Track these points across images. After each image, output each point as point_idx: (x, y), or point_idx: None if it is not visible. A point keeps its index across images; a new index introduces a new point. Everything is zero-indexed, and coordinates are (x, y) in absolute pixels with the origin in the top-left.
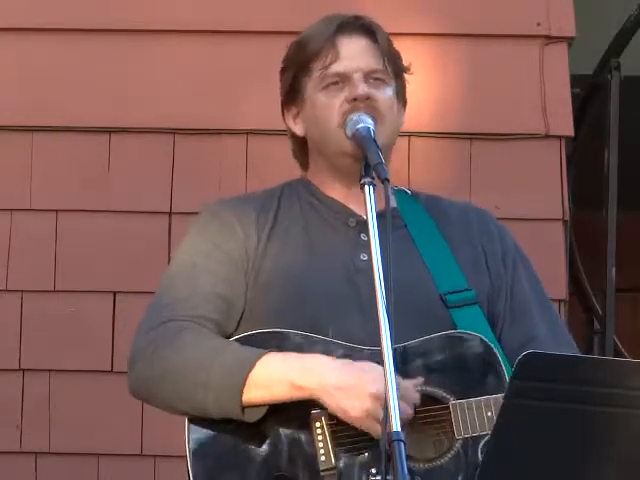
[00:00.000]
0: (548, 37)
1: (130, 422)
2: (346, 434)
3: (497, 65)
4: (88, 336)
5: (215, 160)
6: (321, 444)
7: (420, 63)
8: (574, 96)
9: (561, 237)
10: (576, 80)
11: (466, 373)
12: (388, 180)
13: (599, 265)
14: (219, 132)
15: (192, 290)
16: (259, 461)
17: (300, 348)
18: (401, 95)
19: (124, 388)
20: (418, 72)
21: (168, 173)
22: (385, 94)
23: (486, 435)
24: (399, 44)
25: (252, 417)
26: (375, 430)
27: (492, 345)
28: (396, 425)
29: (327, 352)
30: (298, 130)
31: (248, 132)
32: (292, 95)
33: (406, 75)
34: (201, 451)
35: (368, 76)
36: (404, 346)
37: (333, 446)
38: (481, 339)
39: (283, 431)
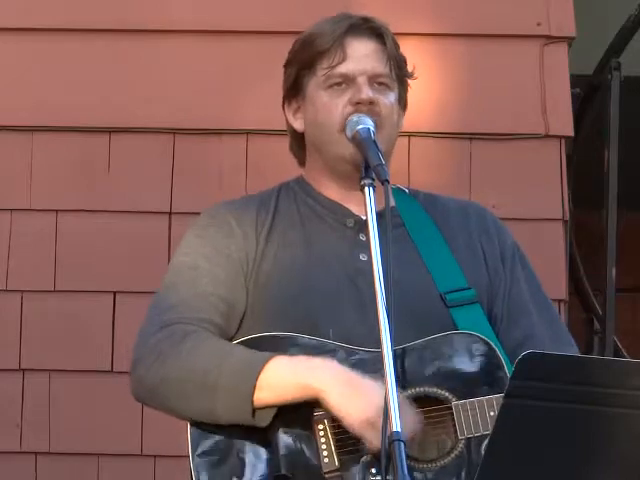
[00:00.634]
0: (548, 37)
1: (130, 422)
2: (348, 436)
3: (497, 65)
4: (88, 336)
5: (215, 160)
6: (324, 446)
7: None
8: (574, 96)
9: (561, 237)
10: (576, 80)
11: (468, 373)
12: (388, 181)
13: (599, 265)
14: (219, 132)
15: (194, 292)
16: (262, 462)
17: (303, 351)
18: (402, 100)
19: (124, 388)
20: (418, 72)
21: (168, 173)
22: (388, 99)
23: (489, 435)
24: (399, 44)
25: (262, 421)
26: (370, 437)
27: (493, 344)
28: (396, 425)
29: (330, 355)
30: (297, 125)
31: (248, 132)
32: (294, 90)
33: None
34: (203, 452)
35: (373, 80)
36: (405, 347)
37: (336, 448)
38: (482, 338)
39: (286, 433)
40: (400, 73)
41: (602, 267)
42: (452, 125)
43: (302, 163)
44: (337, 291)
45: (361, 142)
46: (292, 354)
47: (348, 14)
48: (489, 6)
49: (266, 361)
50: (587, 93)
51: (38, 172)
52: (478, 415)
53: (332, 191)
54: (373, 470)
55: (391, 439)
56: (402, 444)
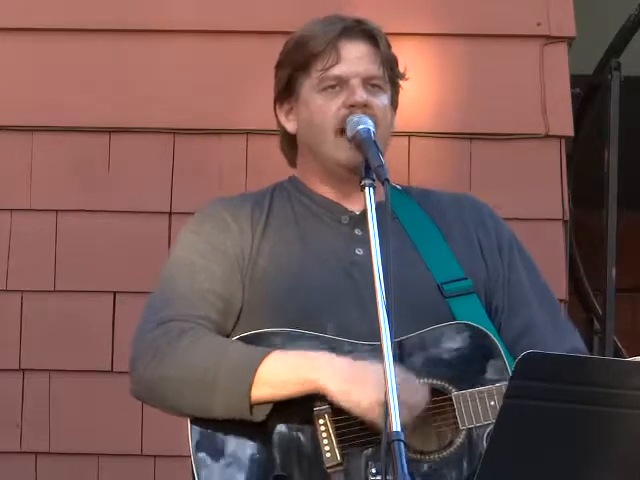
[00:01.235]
0: (548, 37)
1: (130, 422)
2: (350, 430)
3: (497, 65)
4: (88, 336)
5: (215, 160)
6: (326, 441)
7: (420, 63)
8: (574, 96)
9: (561, 237)
10: (576, 80)
11: (467, 363)
12: (388, 180)
13: (599, 265)
14: (219, 132)
15: (190, 289)
16: (263, 459)
17: (302, 346)
18: (394, 101)
19: (124, 388)
20: (418, 72)
21: (168, 173)
22: (381, 101)
23: (490, 424)
24: (399, 44)
25: (259, 415)
26: (384, 421)
27: (491, 334)
28: (396, 425)
29: (329, 348)
30: (290, 127)
31: (248, 132)
32: (287, 92)
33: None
34: (204, 450)
35: (366, 82)
36: (403, 339)
37: (337, 443)
38: (480, 328)
39: (287, 429)
40: (392, 74)
41: (602, 267)
42: (452, 125)
43: (292, 163)
44: (334, 285)
45: (362, 142)
46: (290, 349)
47: (341, 16)
48: (489, 6)
49: (263, 357)
50: (587, 93)
51: (38, 172)
52: (479, 405)
53: (326, 190)
54: (373, 470)
55: (391, 439)
56: (402, 444)
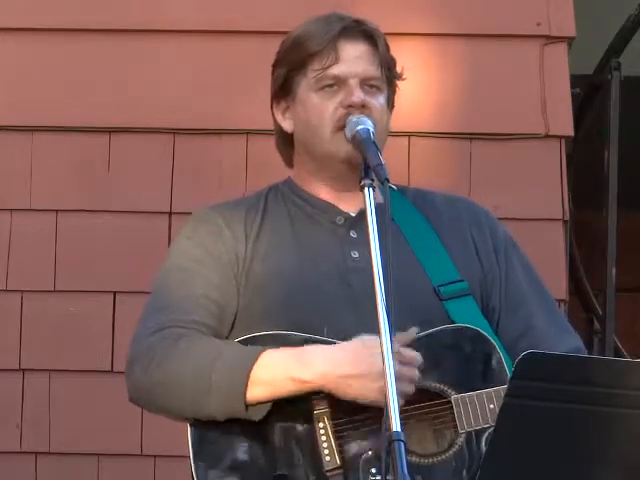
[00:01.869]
0: (548, 37)
1: (130, 422)
2: (349, 433)
3: (497, 65)
4: (88, 336)
5: (215, 160)
6: (325, 444)
7: (420, 63)
8: (574, 96)
9: (561, 237)
10: (576, 80)
11: (465, 366)
12: (388, 180)
13: (599, 265)
14: (219, 132)
15: (185, 295)
16: (262, 461)
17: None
18: (391, 101)
19: (124, 388)
20: (418, 72)
21: (168, 173)
22: (378, 102)
23: (489, 428)
24: (399, 44)
25: (256, 415)
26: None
27: (489, 336)
28: (396, 425)
29: None
30: (286, 125)
31: (248, 132)
32: (284, 91)
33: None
34: (204, 452)
35: (364, 82)
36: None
37: (337, 446)
38: (478, 331)
39: (286, 431)
40: (390, 75)
41: (602, 267)
42: (452, 125)
43: (288, 163)
44: (330, 289)
45: (361, 142)
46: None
47: (339, 15)
48: (489, 6)
49: (257, 357)
50: (587, 93)
51: (38, 172)
52: (478, 408)
53: (321, 191)
54: (373, 470)
55: (391, 439)
56: (402, 444)
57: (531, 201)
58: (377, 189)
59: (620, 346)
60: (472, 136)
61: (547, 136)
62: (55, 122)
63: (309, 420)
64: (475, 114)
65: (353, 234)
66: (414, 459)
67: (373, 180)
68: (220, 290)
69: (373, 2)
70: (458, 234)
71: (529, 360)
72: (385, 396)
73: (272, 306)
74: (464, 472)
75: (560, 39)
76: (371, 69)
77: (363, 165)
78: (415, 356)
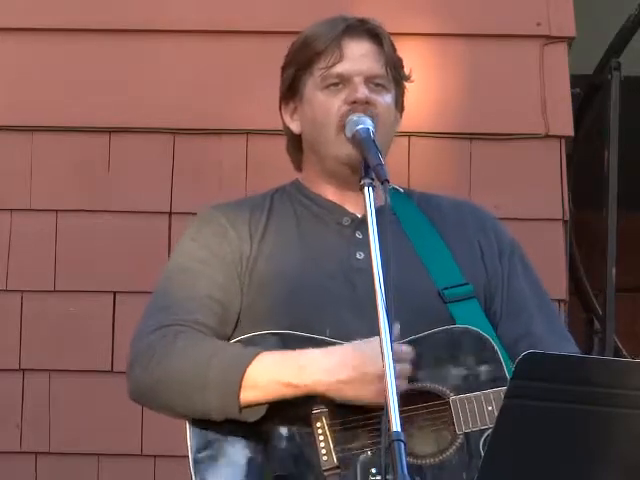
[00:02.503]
0: (548, 37)
1: (130, 422)
2: (347, 434)
3: (497, 65)
4: (88, 336)
5: (215, 160)
6: (322, 444)
7: (420, 63)
8: (574, 96)
9: (561, 237)
10: (576, 80)
11: (465, 368)
12: (388, 181)
13: (599, 265)
14: (219, 132)
15: (188, 295)
16: (261, 461)
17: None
18: (399, 102)
19: (124, 388)
20: (418, 72)
21: (168, 173)
22: (384, 100)
23: (487, 429)
24: (399, 44)
25: (251, 417)
26: None
27: (491, 339)
28: (396, 425)
29: None
30: (294, 127)
31: (248, 132)
32: (291, 92)
33: (406, 83)
34: (203, 452)
35: (369, 80)
36: (402, 342)
37: (334, 446)
38: (480, 333)
39: (284, 431)
40: (397, 75)
41: (602, 267)
42: (452, 125)
43: (298, 167)
44: (334, 290)
45: (361, 142)
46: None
47: (345, 16)
48: (489, 6)
49: (252, 358)
50: (587, 93)
51: (38, 172)
52: (476, 410)
53: (328, 192)
54: (373, 470)
55: (391, 439)
56: (402, 444)
57: (531, 201)
58: (380, 190)
59: (620, 346)
60: (472, 136)
61: (547, 136)
62: (55, 122)
63: (307, 420)
64: (475, 114)
65: (359, 235)
66: (413, 460)
67: (373, 179)
68: (224, 289)
69: (373, 2)
70: (463, 238)
71: (529, 360)
72: (382, 396)
73: (275, 305)
74: (463, 473)
75: (560, 39)
76: (376, 67)
77: (363, 164)
78: (407, 351)
